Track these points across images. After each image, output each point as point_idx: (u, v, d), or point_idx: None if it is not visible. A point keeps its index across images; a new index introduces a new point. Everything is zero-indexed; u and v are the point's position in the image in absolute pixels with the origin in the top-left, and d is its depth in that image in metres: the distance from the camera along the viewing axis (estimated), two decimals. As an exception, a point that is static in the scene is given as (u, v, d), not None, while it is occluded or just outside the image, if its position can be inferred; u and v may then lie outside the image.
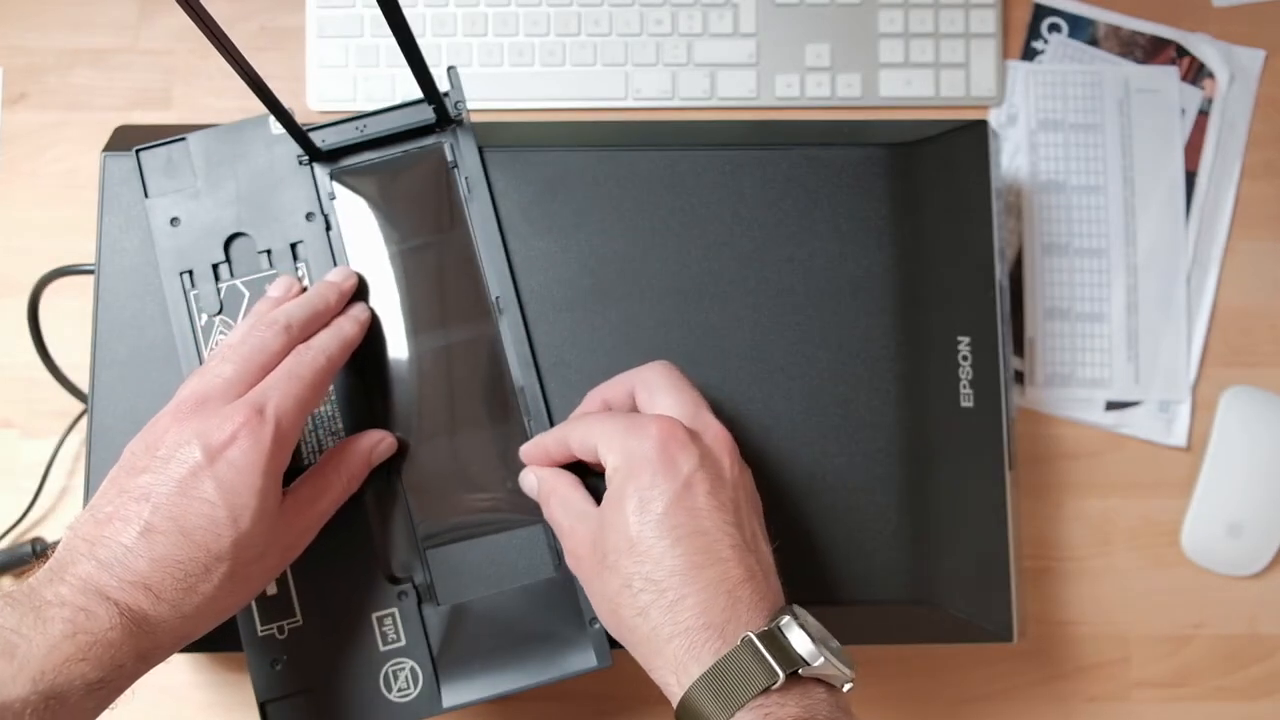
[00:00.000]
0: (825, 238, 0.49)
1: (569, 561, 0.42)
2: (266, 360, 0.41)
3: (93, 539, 0.37)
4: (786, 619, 0.36)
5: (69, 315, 0.56)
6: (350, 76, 0.62)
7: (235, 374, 0.40)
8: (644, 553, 0.37)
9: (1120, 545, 0.60)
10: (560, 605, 0.46)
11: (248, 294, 0.47)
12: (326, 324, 0.44)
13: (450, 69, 0.47)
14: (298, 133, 0.45)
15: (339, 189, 0.48)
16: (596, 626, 0.45)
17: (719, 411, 0.43)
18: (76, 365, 0.55)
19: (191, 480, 0.38)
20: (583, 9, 0.62)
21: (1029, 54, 0.64)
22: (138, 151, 0.47)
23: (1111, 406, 0.61)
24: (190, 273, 0.47)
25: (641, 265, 0.49)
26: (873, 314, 0.49)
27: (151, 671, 0.38)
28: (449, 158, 0.48)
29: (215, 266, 0.47)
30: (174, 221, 0.47)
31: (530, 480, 0.44)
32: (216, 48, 0.36)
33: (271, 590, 0.45)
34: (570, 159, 0.49)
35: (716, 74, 0.63)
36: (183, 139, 0.48)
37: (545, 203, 0.49)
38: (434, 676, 0.45)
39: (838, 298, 0.49)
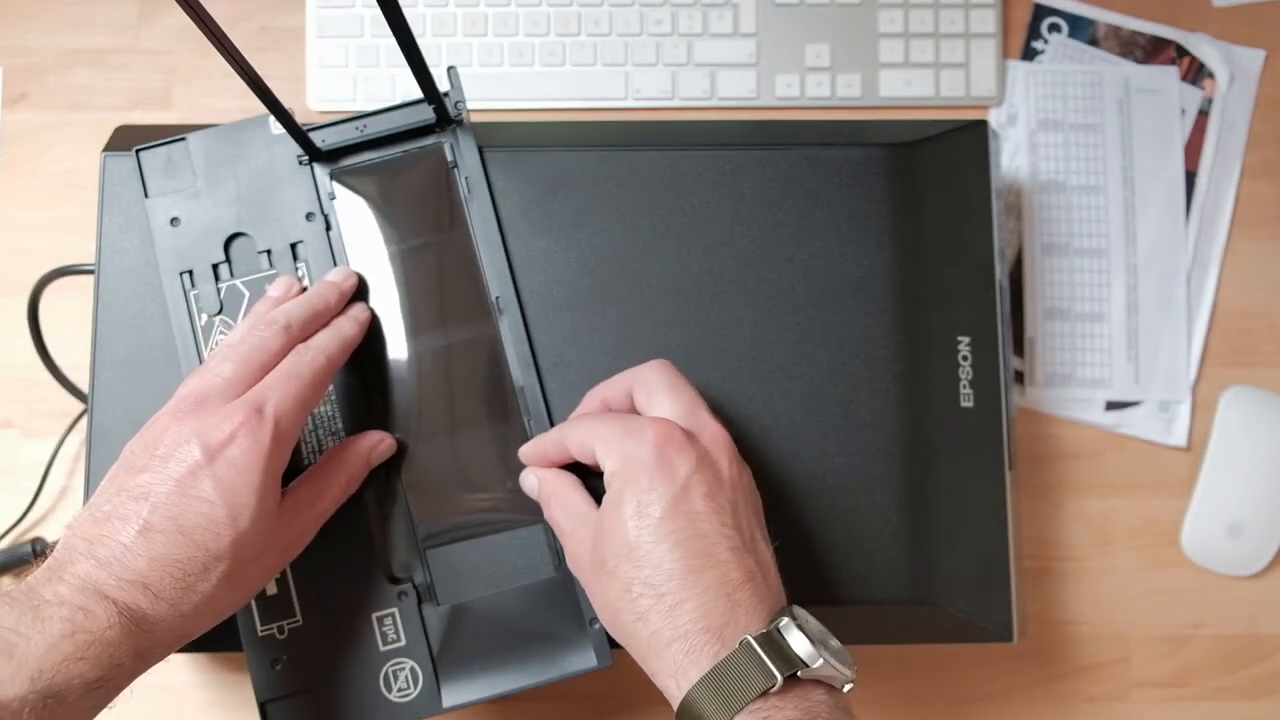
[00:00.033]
0: (825, 238, 0.49)
1: (570, 564, 0.42)
2: (266, 360, 0.41)
3: (91, 538, 0.37)
4: (785, 621, 0.36)
5: (69, 315, 0.56)
6: (350, 76, 0.62)
7: (235, 373, 0.40)
8: (642, 557, 0.37)
9: (1120, 545, 0.60)
10: (560, 605, 0.46)
11: (248, 294, 0.47)
12: (326, 324, 0.44)
13: (450, 69, 0.47)
14: (298, 133, 0.45)
15: (339, 189, 0.48)
16: (596, 626, 0.45)
17: (719, 411, 0.43)
18: (76, 365, 0.55)
19: (190, 479, 0.37)
20: (583, 9, 0.63)
21: (1029, 54, 0.64)
22: (138, 151, 0.48)
23: (1111, 406, 0.61)
24: (190, 273, 0.47)
25: (641, 265, 0.49)
26: (873, 314, 0.49)
27: (151, 671, 0.38)
28: (449, 158, 0.48)
29: (215, 266, 0.47)
30: (174, 221, 0.47)
31: (531, 481, 0.44)
32: (216, 48, 0.36)
33: (271, 590, 0.45)
34: (570, 159, 0.49)
35: (716, 74, 0.63)
36: (183, 139, 0.48)
37: (545, 203, 0.49)
38: (434, 676, 0.45)
39: (838, 298, 0.49)
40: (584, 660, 0.45)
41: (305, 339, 0.43)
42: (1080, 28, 0.64)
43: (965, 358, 0.49)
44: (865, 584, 0.48)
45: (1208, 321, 0.61)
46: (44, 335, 0.55)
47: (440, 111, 0.47)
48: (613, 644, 0.43)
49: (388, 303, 0.47)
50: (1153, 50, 0.63)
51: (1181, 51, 0.63)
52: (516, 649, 0.46)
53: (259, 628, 0.45)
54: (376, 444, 0.45)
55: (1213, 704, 0.58)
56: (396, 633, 0.45)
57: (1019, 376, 0.61)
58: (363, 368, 0.47)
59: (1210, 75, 0.63)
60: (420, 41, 0.40)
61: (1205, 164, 0.62)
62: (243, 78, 0.38)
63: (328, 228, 0.47)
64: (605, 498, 0.40)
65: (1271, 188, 0.63)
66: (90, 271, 0.49)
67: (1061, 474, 0.60)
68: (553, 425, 0.46)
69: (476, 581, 0.46)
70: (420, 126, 0.47)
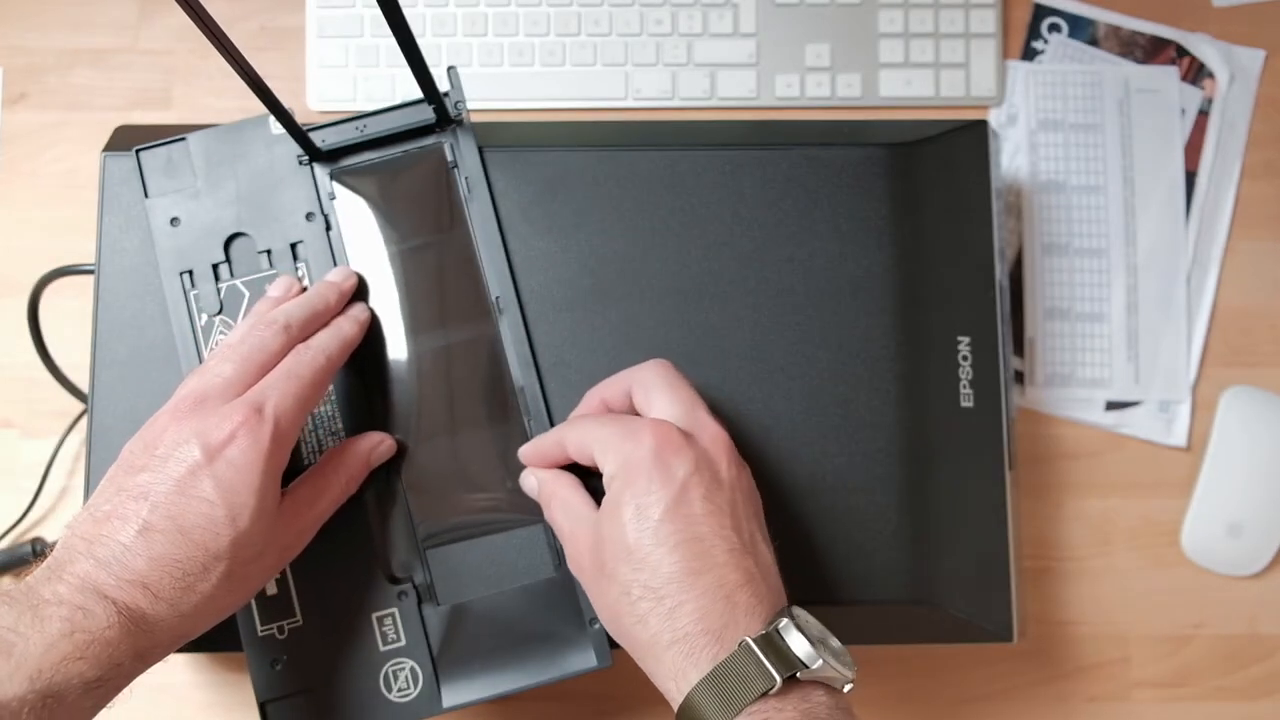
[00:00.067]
0: (825, 238, 0.49)
1: (570, 565, 0.42)
2: (266, 360, 0.41)
3: (91, 537, 0.37)
4: (784, 622, 0.36)
5: (69, 315, 0.56)
6: (350, 76, 0.62)
7: (234, 373, 0.40)
8: (641, 560, 0.37)
9: (1120, 545, 0.60)
10: (560, 605, 0.46)
11: (248, 294, 0.47)
12: (326, 324, 0.44)
13: (450, 69, 0.47)
14: (298, 133, 0.45)
15: (339, 189, 0.48)
16: (596, 626, 0.45)
17: (719, 411, 0.43)
18: (76, 365, 0.55)
19: (190, 479, 0.37)
20: (583, 9, 0.63)
21: (1029, 54, 0.64)
22: (138, 151, 0.48)
23: (1111, 406, 0.61)
24: (190, 273, 0.47)
25: (641, 265, 0.49)
26: (873, 314, 0.49)
27: (151, 671, 0.38)
28: (449, 158, 0.48)
29: (215, 266, 0.47)
30: (174, 221, 0.47)
31: (531, 482, 0.44)
32: (216, 48, 0.36)
33: (271, 590, 0.45)
34: (570, 159, 0.49)
35: (716, 74, 0.63)
36: (183, 139, 0.48)
37: (545, 203, 0.49)
38: (434, 676, 0.45)
39: (838, 298, 0.49)
40: (584, 660, 0.45)
41: (305, 339, 0.43)
42: (1080, 28, 0.64)
43: (965, 358, 0.49)
44: (865, 584, 0.48)
45: (1208, 321, 0.61)
46: (44, 335, 0.55)
47: (440, 111, 0.47)
48: (613, 644, 0.43)
49: (388, 303, 0.47)
50: (1153, 50, 0.63)
51: (1181, 51, 0.63)
52: (516, 649, 0.46)
53: (259, 628, 0.45)
54: (376, 445, 0.45)
55: (1213, 704, 0.58)
56: (396, 633, 0.45)
57: (1019, 376, 0.61)
58: (363, 368, 0.47)
59: (1210, 75, 0.63)
60: (420, 41, 0.40)
61: (1205, 164, 0.62)
62: (243, 78, 0.38)
63: (328, 228, 0.47)
64: (604, 500, 0.40)
65: (1271, 188, 0.63)
66: (90, 271, 0.49)
67: (1061, 474, 0.60)
68: (553, 425, 0.46)
69: (476, 581, 0.46)
70: (420, 126, 0.47)
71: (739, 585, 0.37)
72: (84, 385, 0.50)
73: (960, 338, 0.50)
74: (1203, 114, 0.63)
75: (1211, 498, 0.59)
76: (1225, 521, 0.59)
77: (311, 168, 0.48)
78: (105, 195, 0.49)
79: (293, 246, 0.47)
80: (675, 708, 0.36)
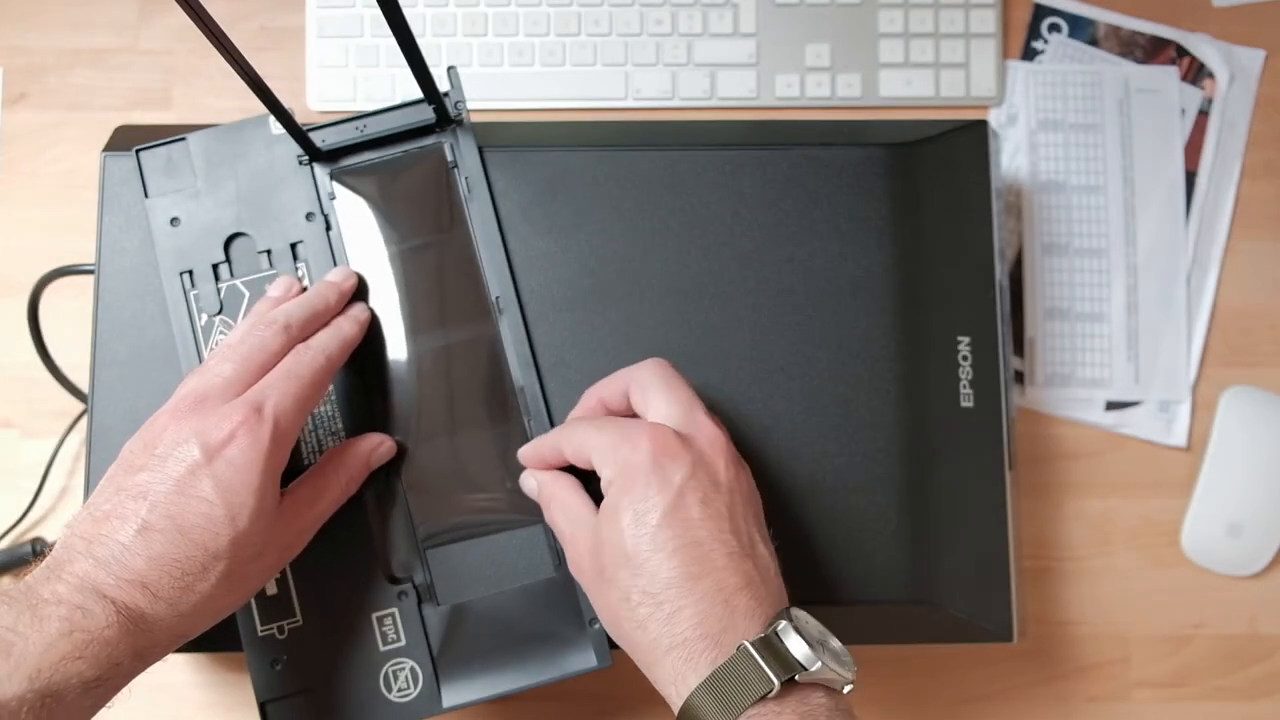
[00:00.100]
0: (825, 238, 0.49)
1: (571, 568, 0.42)
2: (266, 359, 0.41)
3: (90, 537, 0.37)
4: (784, 624, 0.36)
5: (69, 315, 0.56)
6: (350, 76, 0.62)
7: (234, 373, 0.40)
8: (640, 566, 0.37)
9: (1120, 545, 0.60)
10: (560, 605, 0.46)
11: (248, 294, 0.47)
12: (326, 324, 0.44)
13: (450, 69, 0.47)
14: (298, 133, 0.45)
15: (339, 189, 0.48)
16: (596, 626, 0.45)
17: (718, 411, 0.43)
18: (76, 365, 0.55)
19: (189, 479, 0.37)
20: (583, 9, 0.63)
21: (1029, 54, 0.64)
22: (138, 151, 0.48)
23: (1111, 406, 0.61)
24: (190, 273, 0.47)
25: (641, 265, 0.49)
26: (873, 314, 0.49)
27: (151, 671, 0.38)
28: (449, 158, 0.48)
29: (215, 266, 0.47)
30: (174, 221, 0.47)
31: (531, 484, 0.44)
32: (216, 48, 0.36)
33: (271, 590, 0.45)
34: (570, 159, 0.49)
35: (716, 74, 0.63)
36: (183, 139, 0.48)
37: (545, 203, 0.49)
38: (434, 676, 0.45)
39: (838, 298, 0.49)
40: (584, 660, 0.45)
41: (305, 339, 0.43)
42: (1080, 28, 0.64)
43: (965, 358, 0.49)
44: (865, 584, 0.48)
45: (1208, 321, 0.61)
46: (44, 335, 0.55)
47: (440, 111, 0.47)
48: (613, 644, 0.43)
49: (388, 303, 0.47)
50: (1153, 50, 0.63)
51: (1181, 51, 0.63)
52: (516, 649, 0.46)
53: (259, 628, 0.45)
54: (376, 446, 0.45)
55: (1213, 704, 0.58)
56: (396, 633, 0.45)
57: (1019, 376, 0.61)
58: (363, 368, 0.47)
59: (1210, 75, 0.63)
60: (420, 41, 0.40)
61: (1205, 164, 0.62)
62: (243, 78, 0.38)
63: (328, 228, 0.47)
64: (602, 505, 0.40)
65: (1271, 188, 0.63)
66: (90, 271, 0.49)
67: (1061, 474, 0.60)
68: (553, 425, 0.46)
69: (476, 581, 0.46)
70: (420, 126, 0.47)
71: (738, 589, 0.37)
72: (84, 385, 0.50)
73: (960, 338, 0.50)
74: (1203, 114, 0.63)
75: (1211, 498, 0.59)
76: (1225, 521, 0.59)
77: (311, 168, 0.48)
78: (105, 195, 0.49)
79: (293, 246, 0.47)
80: (675, 712, 0.36)
